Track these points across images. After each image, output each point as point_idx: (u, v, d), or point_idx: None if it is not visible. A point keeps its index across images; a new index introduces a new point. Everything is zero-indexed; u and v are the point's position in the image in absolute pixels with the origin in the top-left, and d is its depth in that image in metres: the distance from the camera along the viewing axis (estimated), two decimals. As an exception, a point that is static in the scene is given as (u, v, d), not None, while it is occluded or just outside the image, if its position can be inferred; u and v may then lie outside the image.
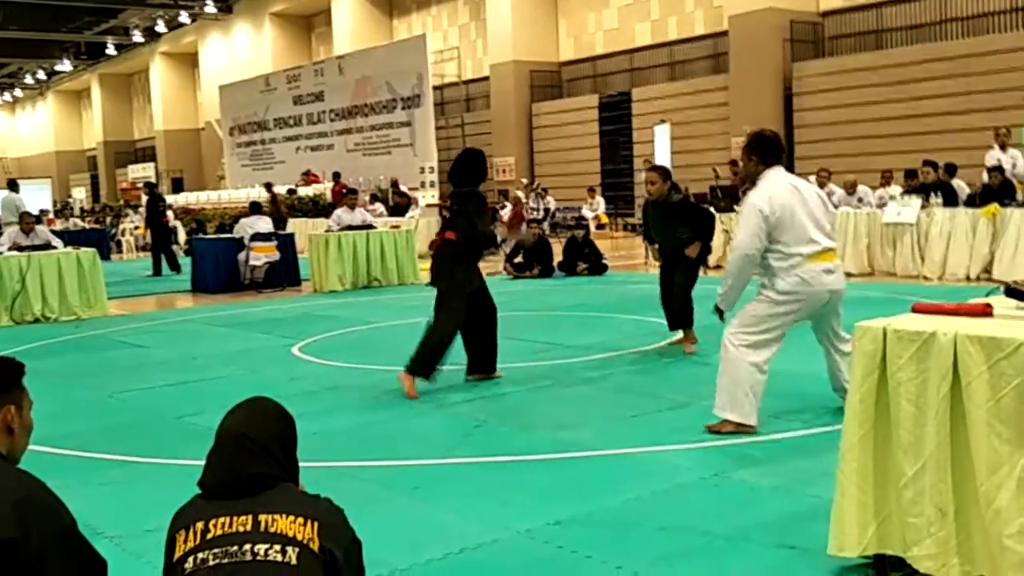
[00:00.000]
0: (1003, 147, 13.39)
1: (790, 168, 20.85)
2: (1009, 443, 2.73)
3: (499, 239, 7.24)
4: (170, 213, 21.75)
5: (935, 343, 2.85)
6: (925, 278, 12.19)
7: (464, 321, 6.80)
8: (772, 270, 5.11)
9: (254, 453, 2.27)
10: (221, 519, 2.19)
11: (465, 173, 6.96)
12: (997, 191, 12.29)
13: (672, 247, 7.97)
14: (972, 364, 2.76)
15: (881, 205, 13.48)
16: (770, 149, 5.25)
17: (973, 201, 12.69)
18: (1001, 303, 3.12)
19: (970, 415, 2.78)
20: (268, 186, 24.00)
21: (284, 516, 2.19)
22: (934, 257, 12.21)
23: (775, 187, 5.10)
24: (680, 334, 7.97)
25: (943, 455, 2.85)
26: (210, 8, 38.72)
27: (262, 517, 2.18)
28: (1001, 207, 11.66)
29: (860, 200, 14.03)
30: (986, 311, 3.01)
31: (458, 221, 6.73)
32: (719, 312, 5.42)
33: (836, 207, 13.80)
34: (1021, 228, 11.34)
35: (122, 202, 30.89)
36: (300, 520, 2.18)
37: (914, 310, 3.17)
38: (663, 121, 22.27)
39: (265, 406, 2.42)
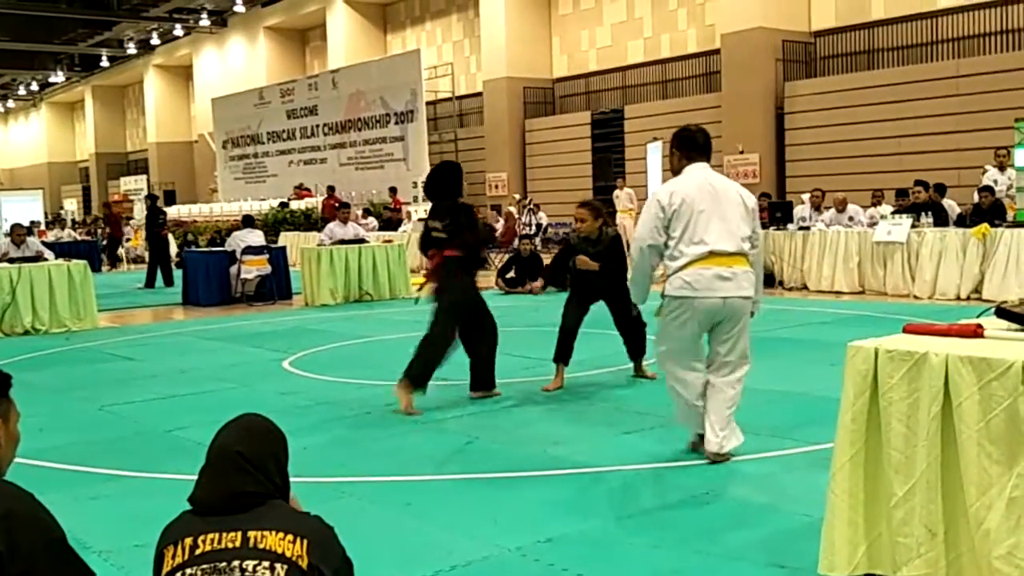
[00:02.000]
0: (1002, 168, 13.47)
1: (781, 186, 20.94)
2: (999, 464, 2.74)
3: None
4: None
5: (926, 364, 2.87)
6: (916, 297, 12.23)
7: (466, 336, 6.83)
8: (668, 270, 4.91)
9: (248, 472, 2.26)
10: (210, 535, 2.19)
11: (443, 186, 6.96)
12: (987, 211, 12.36)
13: (603, 282, 7.30)
14: (963, 385, 2.78)
15: (872, 224, 13.54)
16: (692, 145, 5.05)
17: (963, 221, 12.76)
18: (992, 324, 3.14)
19: (961, 436, 2.79)
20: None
21: (273, 533, 2.18)
22: (925, 276, 12.25)
23: (684, 182, 4.93)
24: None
25: (933, 475, 2.86)
26: (205, 21, 38.78)
27: (251, 533, 2.18)
28: (991, 227, 11.72)
29: (851, 219, 14.09)
30: (977, 332, 3.03)
31: (456, 237, 6.71)
32: (633, 305, 5.36)
33: (827, 225, 13.90)
34: (1011, 248, 11.39)
35: (103, 216, 30.78)
36: (289, 537, 2.18)
37: (905, 331, 3.19)
38: (655, 138, 22.31)
39: (259, 423, 2.41)
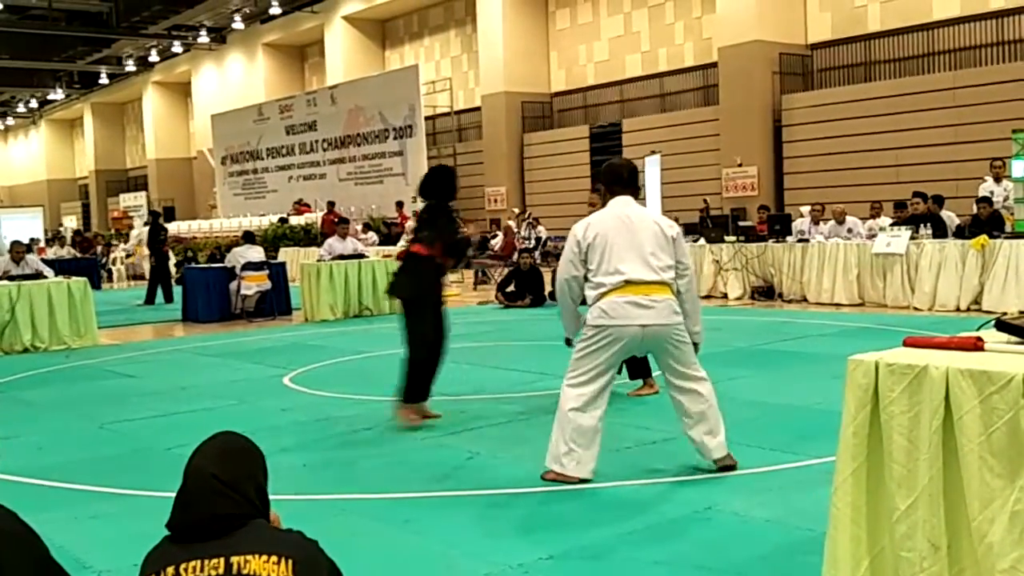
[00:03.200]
0: (997, 179, 13.50)
1: (780, 199, 20.99)
2: (1001, 477, 2.73)
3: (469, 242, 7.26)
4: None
5: (927, 377, 2.86)
6: (915, 309, 12.23)
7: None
8: (587, 300, 5.00)
9: (224, 494, 2.19)
10: (192, 563, 2.13)
11: (430, 188, 6.95)
12: (986, 222, 12.37)
13: None
14: (964, 398, 2.77)
15: (871, 236, 13.55)
16: (615, 179, 5.19)
17: (962, 232, 12.77)
18: (992, 337, 3.14)
19: (962, 449, 2.78)
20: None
21: (257, 557, 2.12)
22: (924, 288, 12.26)
23: (601, 215, 5.07)
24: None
25: (936, 489, 2.85)
26: (203, 38, 38.91)
27: (234, 560, 2.12)
28: (990, 239, 11.72)
29: (850, 231, 14.11)
30: (977, 345, 3.02)
31: (425, 234, 6.74)
32: (566, 340, 5.39)
33: (826, 238, 13.91)
34: (1010, 260, 11.40)
35: (113, 231, 30.88)
36: (274, 559, 2.12)
37: (906, 344, 3.18)
38: (653, 152, 22.36)
39: (234, 442, 2.35)
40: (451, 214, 6.93)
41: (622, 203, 5.10)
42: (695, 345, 5.14)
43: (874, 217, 14.78)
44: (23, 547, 2.11)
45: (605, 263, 4.89)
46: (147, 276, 19.94)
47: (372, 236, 23.26)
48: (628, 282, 4.86)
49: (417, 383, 6.64)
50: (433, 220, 6.77)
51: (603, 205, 5.20)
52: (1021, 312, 3.32)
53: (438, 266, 6.83)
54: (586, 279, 4.99)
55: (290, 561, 2.13)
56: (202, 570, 2.11)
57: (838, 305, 13.06)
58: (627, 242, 4.91)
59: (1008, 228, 12.20)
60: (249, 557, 2.12)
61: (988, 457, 2.74)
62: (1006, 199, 12.99)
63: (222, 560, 2.12)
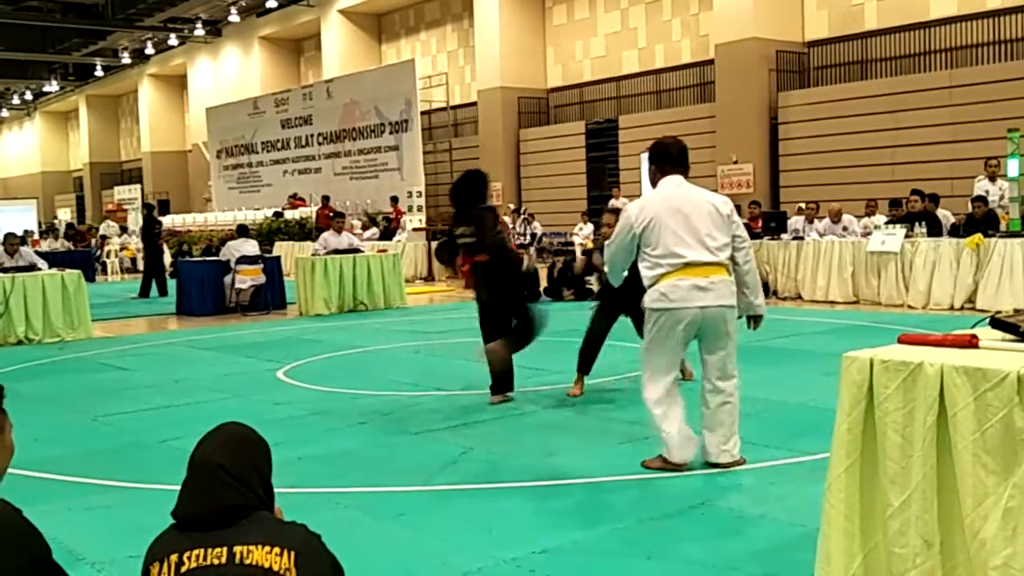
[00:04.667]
0: (992, 178, 13.51)
1: (775, 196, 20.98)
2: (995, 474, 2.74)
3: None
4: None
5: (921, 374, 2.87)
6: (910, 307, 12.25)
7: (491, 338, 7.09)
8: (644, 282, 5.02)
9: (231, 485, 2.21)
10: (195, 551, 2.14)
11: (468, 194, 7.17)
12: (981, 221, 12.39)
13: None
14: (958, 395, 2.78)
15: (866, 234, 13.57)
16: (665, 158, 5.14)
17: (957, 231, 12.79)
18: (987, 334, 3.15)
19: (956, 446, 2.79)
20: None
21: (260, 547, 2.14)
22: (919, 286, 12.28)
23: (653, 197, 5.07)
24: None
25: (929, 486, 2.86)
26: (199, 31, 38.81)
27: (237, 549, 2.13)
28: (985, 237, 11.75)
29: (845, 229, 14.12)
30: (972, 342, 3.03)
31: (483, 243, 6.96)
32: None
33: (821, 235, 13.92)
34: (1005, 258, 11.42)
35: (107, 222, 30.78)
36: (276, 550, 2.14)
37: (900, 341, 3.19)
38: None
39: (241, 434, 2.36)
40: (497, 218, 7.26)
41: (673, 183, 5.07)
42: (759, 318, 5.19)
43: (869, 215, 14.80)
44: (21, 544, 2.09)
45: (662, 246, 4.88)
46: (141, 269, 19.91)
47: (374, 231, 23.23)
48: (687, 264, 4.85)
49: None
50: (482, 229, 6.98)
51: (653, 185, 5.17)
52: (1016, 310, 3.33)
53: (496, 268, 7.04)
54: (641, 259, 5.00)
55: (292, 553, 2.14)
56: (205, 559, 2.13)
57: (832, 303, 13.07)
58: (682, 224, 4.89)
59: (1003, 227, 12.22)
60: (252, 547, 2.13)
61: (982, 454, 2.75)
62: (1001, 198, 13.01)
63: (225, 549, 2.13)
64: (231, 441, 2.32)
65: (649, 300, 4.96)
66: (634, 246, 5.01)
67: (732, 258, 5.03)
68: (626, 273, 5.36)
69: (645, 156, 21.35)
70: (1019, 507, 2.68)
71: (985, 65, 18.58)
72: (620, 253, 5.13)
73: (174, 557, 2.15)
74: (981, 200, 12.80)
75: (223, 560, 2.12)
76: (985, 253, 11.65)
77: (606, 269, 5.48)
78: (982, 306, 11.22)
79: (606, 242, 5.37)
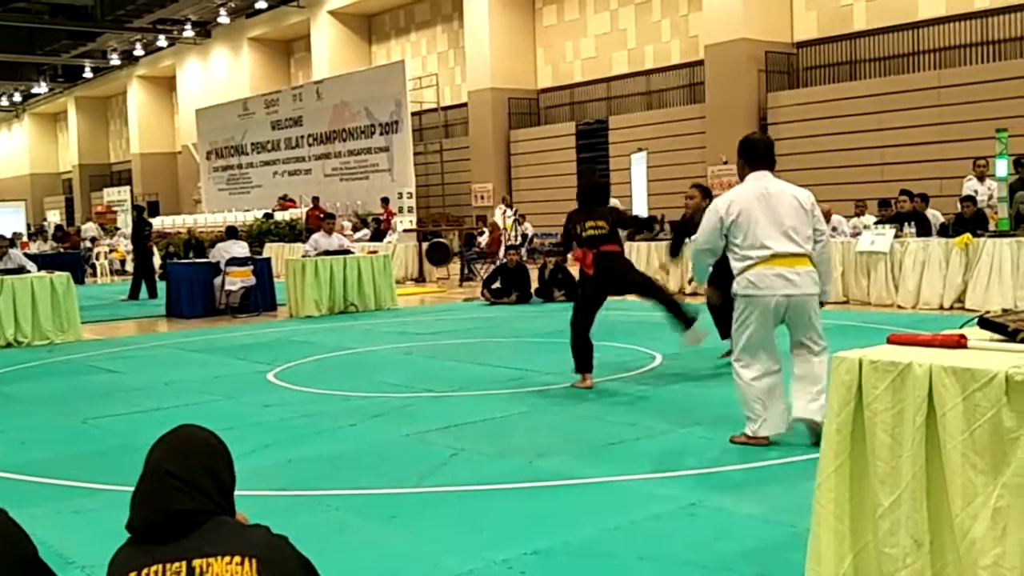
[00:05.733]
0: (981, 178, 13.56)
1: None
2: (984, 474, 2.74)
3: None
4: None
5: (910, 374, 2.87)
6: (899, 307, 12.29)
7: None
8: (733, 271, 5.35)
9: (180, 490, 2.10)
10: (154, 568, 2.05)
11: (599, 195, 8.10)
12: (970, 221, 12.44)
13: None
14: (947, 395, 2.78)
15: (855, 234, 13.60)
16: (752, 154, 5.44)
17: (946, 231, 12.83)
18: (975, 334, 3.15)
19: (945, 446, 2.79)
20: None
21: (219, 559, 2.03)
22: (908, 286, 12.31)
23: (741, 191, 5.34)
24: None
25: (919, 486, 2.87)
26: (188, 32, 38.73)
27: (196, 563, 2.03)
28: (974, 237, 11.79)
29: (834, 229, 14.15)
30: (961, 342, 3.04)
31: (615, 235, 7.83)
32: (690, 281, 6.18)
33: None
34: (994, 258, 11.46)
35: (96, 226, 30.71)
36: (237, 559, 2.03)
37: (889, 341, 3.20)
38: (640, 149, 22.39)
39: (192, 436, 2.25)
40: (623, 214, 8.41)
41: (760, 177, 5.36)
42: (822, 304, 5.51)
43: (859, 215, 14.84)
44: (4, 545, 2.07)
45: (751, 238, 5.19)
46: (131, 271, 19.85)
47: (365, 232, 23.19)
48: (774, 256, 5.17)
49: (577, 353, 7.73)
50: (615, 222, 7.91)
51: (740, 179, 5.43)
52: (1004, 310, 3.34)
53: (622, 257, 8.05)
54: (729, 251, 5.33)
55: (254, 561, 2.04)
56: (163, 575, 2.04)
57: (822, 303, 13.08)
58: (769, 217, 5.19)
59: (991, 227, 12.27)
60: (211, 560, 2.03)
61: (971, 454, 2.75)
62: (990, 198, 13.07)
63: (184, 564, 2.04)
64: (180, 444, 2.21)
65: (738, 288, 5.30)
66: (721, 238, 5.32)
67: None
68: (711, 270, 5.78)
69: (636, 156, 21.51)
70: (1008, 507, 2.69)
71: (973, 65, 18.67)
72: (707, 245, 5.44)
73: (132, 575, 2.06)
74: (970, 200, 12.85)
75: (182, 575, 2.03)
76: (974, 253, 11.69)
77: (692, 263, 5.77)
78: (971, 306, 11.26)
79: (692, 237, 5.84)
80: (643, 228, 8.18)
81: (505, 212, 23.17)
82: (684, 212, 8.78)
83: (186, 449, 2.19)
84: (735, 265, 5.30)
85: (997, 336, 3.10)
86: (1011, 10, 18.41)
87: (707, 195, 8.34)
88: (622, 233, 8.34)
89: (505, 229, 22.86)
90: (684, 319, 7.77)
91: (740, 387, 5.47)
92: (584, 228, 7.68)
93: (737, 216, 5.22)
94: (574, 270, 16.02)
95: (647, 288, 7.97)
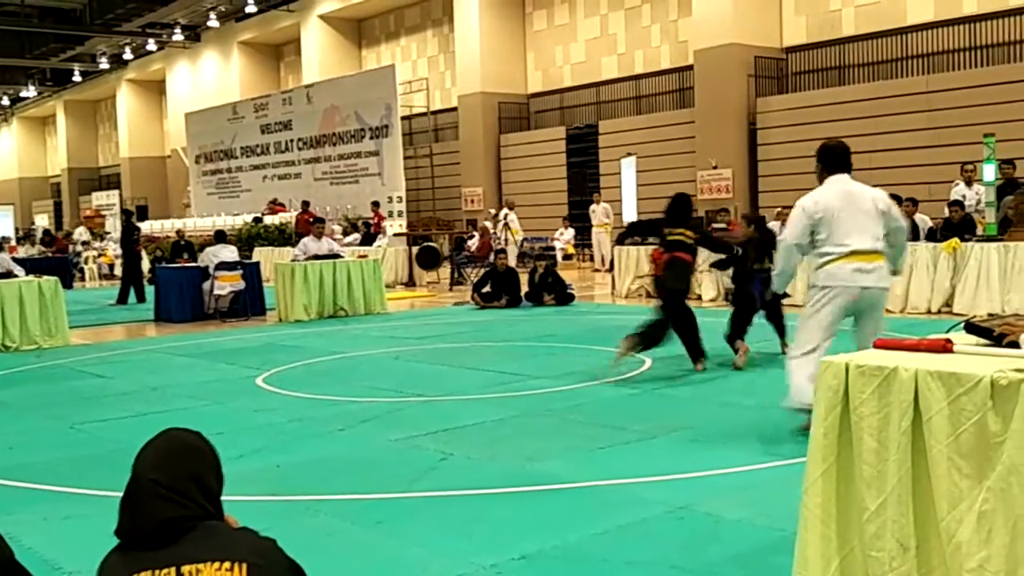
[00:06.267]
0: (969, 183, 13.61)
1: (754, 201, 21.03)
2: (969, 478, 2.76)
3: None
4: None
5: (896, 379, 2.89)
6: (887, 311, 12.27)
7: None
8: (814, 265, 5.79)
9: (167, 498, 2.09)
10: (142, 575, 2.04)
11: (686, 211, 8.94)
12: (958, 226, 12.49)
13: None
14: (933, 400, 2.80)
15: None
16: (831, 159, 5.91)
17: (934, 235, 12.88)
18: (961, 339, 3.17)
19: (931, 450, 2.81)
20: None
21: (209, 564, 2.03)
22: (896, 290, 12.32)
23: (825, 191, 5.79)
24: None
25: (905, 490, 2.88)
26: (178, 36, 38.64)
27: (185, 569, 2.03)
28: (962, 242, 11.83)
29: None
30: (946, 347, 3.05)
31: (699, 246, 8.93)
32: (773, 294, 6.83)
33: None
34: (981, 262, 11.51)
35: (80, 228, 30.61)
36: (226, 566, 2.03)
37: (875, 345, 3.21)
38: (630, 154, 22.42)
39: (179, 441, 2.23)
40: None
41: (840, 180, 5.82)
42: (895, 272, 5.98)
43: (847, 220, 14.86)
44: None
45: (833, 235, 5.63)
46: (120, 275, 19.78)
47: (356, 236, 23.16)
48: (853, 252, 5.60)
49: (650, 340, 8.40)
50: (704, 238, 9.09)
51: (820, 182, 5.89)
52: (990, 314, 3.36)
53: (692, 267, 8.93)
54: (812, 246, 5.74)
55: (244, 566, 2.04)
56: None
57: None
58: (849, 216, 5.64)
59: (979, 231, 12.32)
60: (201, 566, 2.03)
61: (956, 458, 2.77)
62: (978, 203, 13.12)
63: (172, 570, 2.03)
64: (166, 450, 2.19)
65: (819, 279, 5.70)
66: (808, 235, 5.72)
67: (890, 240, 5.77)
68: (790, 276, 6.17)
69: (625, 161, 21.50)
70: (993, 510, 2.70)
71: (962, 70, 18.74)
72: (796, 241, 5.80)
73: None
74: (958, 204, 12.90)
75: None
76: (962, 257, 11.74)
77: (780, 261, 6.10)
78: (959, 310, 11.30)
79: (780, 237, 6.24)
80: (729, 256, 9.23)
81: (508, 216, 23.23)
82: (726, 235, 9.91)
83: (172, 455, 2.17)
84: (816, 261, 5.74)
85: (983, 340, 3.12)
86: (999, 15, 18.50)
87: (752, 223, 9.66)
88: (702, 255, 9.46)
89: (512, 233, 22.91)
90: (693, 351, 8.55)
91: (796, 385, 5.79)
92: (672, 232, 8.66)
93: (823, 213, 5.66)
94: (564, 274, 16.09)
95: (669, 309, 8.53)
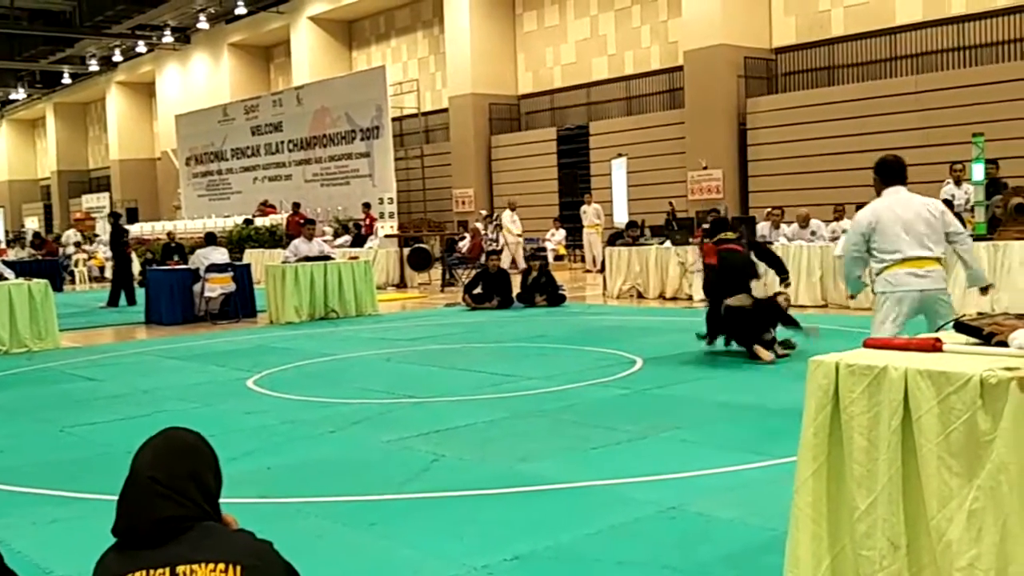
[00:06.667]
0: (958, 182, 13.66)
1: (744, 201, 21.07)
2: (959, 476, 2.77)
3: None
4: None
5: (886, 378, 2.89)
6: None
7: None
8: (873, 272, 6.23)
9: (165, 496, 2.09)
10: (137, 573, 2.03)
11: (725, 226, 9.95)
12: (946, 225, 12.49)
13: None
14: (922, 399, 2.80)
15: (834, 239, 13.68)
16: (888, 172, 6.32)
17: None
18: (950, 338, 3.18)
19: (921, 449, 2.81)
20: None
21: (204, 565, 2.02)
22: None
23: (881, 203, 6.20)
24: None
25: (895, 488, 2.89)
26: (168, 38, 38.55)
27: (180, 569, 2.02)
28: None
29: (813, 233, 14.23)
30: (936, 346, 3.06)
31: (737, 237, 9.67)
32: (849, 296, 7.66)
33: (789, 240, 14.02)
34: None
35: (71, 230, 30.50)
36: (221, 567, 2.02)
37: (866, 345, 3.22)
38: (620, 154, 22.45)
39: (178, 440, 2.22)
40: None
41: (895, 192, 6.21)
42: (988, 287, 6.61)
43: (837, 219, 14.91)
44: None
45: (888, 243, 6.08)
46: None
47: (347, 238, 23.14)
48: (905, 259, 6.04)
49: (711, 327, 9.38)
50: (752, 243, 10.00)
51: (878, 194, 6.30)
52: (980, 313, 3.37)
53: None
54: (870, 254, 6.18)
55: (238, 568, 2.03)
56: None
57: (802, 307, 13.15)
58: (902, 225, 6.06)
59: (968, 230, 12.34)
60: (196, 566, 2.02)
61: (946, 456, 2.78)
62: (967, 202, 13.16)
63: (167, 570, 2.02)
64: (165, 450, 2.18)
65: (878, 287, 6.18)
66: (864, 244, 6.15)
67: (954, 247, 6.22)
68: (863, 281, 6.46)
69: (616, 161, 21.49)
70: (983, 508, 2.71)
71: (950, 70, 18.81)
72: (855, 252, 6.25)
73: None
74: (947, 204, 12.90)
75: None
76: (951, 256, 11.74)
77: (845, 271, 6.57)
78: (949, 309, 11.32)
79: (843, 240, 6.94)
80: (778, 269, 9.87)
81: (512, 218, 23.25)
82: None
83: (171, 454, 2.17)
84: (874, 267, 6.20)
85: (972, 339, 3.13)
86: (987, 15, 18.58)
87: (743, 223, 11.00)
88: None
89: (505, 232, 22.93)
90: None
91: None
92: (722, 235, 9.60)
93: (877, 224, 6.10)
94: (555, 275, 16.09)
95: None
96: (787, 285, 9.80)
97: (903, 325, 6.15)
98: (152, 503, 2.08)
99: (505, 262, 19.27)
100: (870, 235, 6.14)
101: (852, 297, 7.54)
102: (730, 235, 9.75)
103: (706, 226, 11.19)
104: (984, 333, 3.09)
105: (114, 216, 20.48)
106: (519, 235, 23.50)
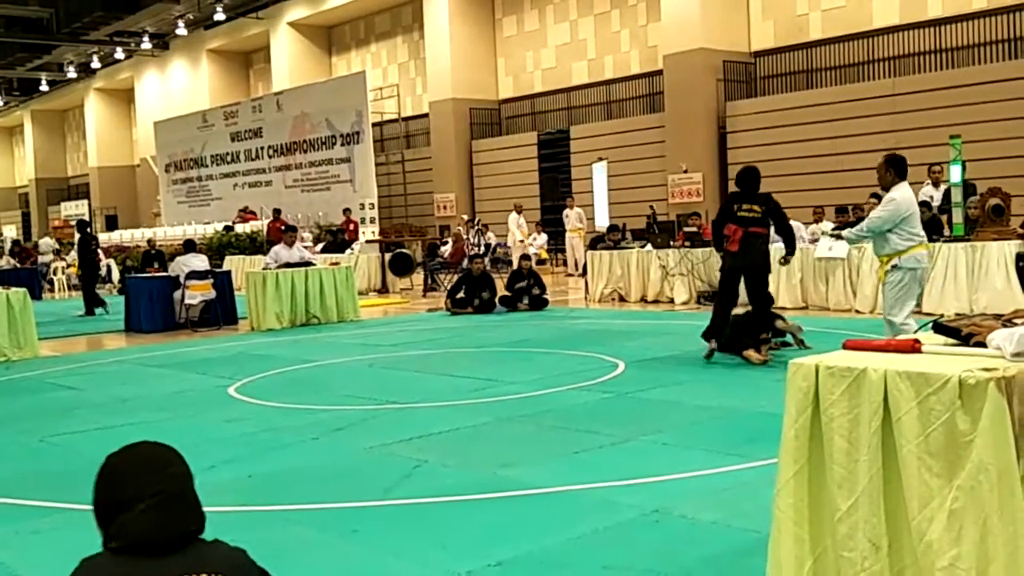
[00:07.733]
0: (936, 184, 13.75)
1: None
2: (939, 477, 2.78)
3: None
4: (100, 252, 21.41)
5: (866, 379, 2.91)
6: (857, 312, 12.43)
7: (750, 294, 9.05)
8: (899, 249, 7.30)
9: (194, 508, 2.10)
10: None
11: (755, 182, 9.08)
12: (925, 226, 12.57)
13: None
14: (902, 400, 2.82)
15: (814, 240, 13.75)
16: (902, 167, 7.47)
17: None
18: (930, 339, 3.20)
19: (901, 450, 2.83)
20: None
21: None
22: (865, 291, 12.46)
23: (906, 193, 7.37)
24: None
25: (876, 490, 2.90)
26: (146, 44, 38.37)
27: None
28: (929, 243, 11.92)
29: (794, 236, 14.25)
30: (915, 347, 3.08)
31: (768, 219, 9.01)
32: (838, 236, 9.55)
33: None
34: (948, 263, 11.63)
35: (46, 238, 30.33)
36: None
37: (845, 347, 3.24)
38: (601, 158, 22.49)
39: (168, 455, 2.18)
40: (777, 203, 9.22)
41: (906, 186, 7.42)
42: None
43: (816, 222, 15.00)
44: None
45: (915, 227, 7.33)
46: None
47: (321, 244, 23.08)
48: (923, 241, 7.44)
49: (714, 322, 8.95)
50: (769, 208, 9.00)
51: (889, 186, 7.44)
52: (958, 314, 3.39)
53: (767, 239, 9.21)
54: (896, 233, 7.26)
55: None
56: None
57: (782, 308, 13.19)
58: (917, 214, 7.40)
59: (946, 232, 12.45)
60: None
61: (926, 457, 2.79)
62: (944, 203, 13.24)
63: None
64: (175, 460, 2.17)
65: (907, 262, 7.31)
66: (897, 221, 7.22)
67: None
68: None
69: (597, 165, 21.52)
70: (963, 508, 2.73)
71: (927, 73, 18.96)
72: (885, 227, 7.29)
73: None
74: (925, 205, 13.00)
75: None
76: (930, 258, 11.82)
77: (870, 229, 7.46)
78: (928, 310, 11.39)
79: (874, 214, 7.55)
80: (788, 240, 9.35)
81: (518, 221, 23.24)
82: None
83: (180, 466, 2.15)
84: (904, 244, 7.27)
85: (951, 340, 3.15)
86: (963, 19, 18.74)
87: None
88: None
89: (523, 238, 22.94)
90: (771, 331, 9.16)
91: (902, 329, 7.14)
92: (740, 208, 8.88)
93: (910, 208, 7.31)
94: (547, 278, 16.10)
95: (759, 287, 8.99)
96: (787, 262, 9.57)
97: (916, 297, 7.51)
98: (185, 515, 2.08)
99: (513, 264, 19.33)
100: (906, 218, 7.26)
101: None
102: (756, 210, 8.85)
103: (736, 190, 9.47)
104: (963, 334, 3.11)
105: (81, 224, 20.31)
106: (522, 240, 23.48)
